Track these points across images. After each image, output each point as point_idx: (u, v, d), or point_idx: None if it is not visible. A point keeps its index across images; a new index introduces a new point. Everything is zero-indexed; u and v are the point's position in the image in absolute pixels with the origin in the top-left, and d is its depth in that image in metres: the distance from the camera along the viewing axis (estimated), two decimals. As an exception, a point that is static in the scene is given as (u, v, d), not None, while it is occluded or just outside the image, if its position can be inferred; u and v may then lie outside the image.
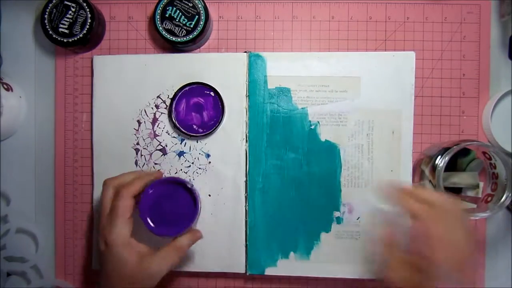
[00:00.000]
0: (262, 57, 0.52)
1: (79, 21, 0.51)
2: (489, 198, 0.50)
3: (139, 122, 0.53)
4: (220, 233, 0.52)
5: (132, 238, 0.43)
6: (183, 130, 0.52)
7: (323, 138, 0.52)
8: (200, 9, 0.51)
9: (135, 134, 0.53)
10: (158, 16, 0.51)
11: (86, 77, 0.55)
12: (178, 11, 0.51)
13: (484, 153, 0.50)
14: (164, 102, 0.53)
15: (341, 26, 0.54)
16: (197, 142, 0.53)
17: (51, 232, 0.55)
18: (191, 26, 0.51)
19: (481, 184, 0.51)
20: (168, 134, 0.53)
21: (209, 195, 0.52)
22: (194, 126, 0.52)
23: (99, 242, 0.44)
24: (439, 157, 0.47)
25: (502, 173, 0.48)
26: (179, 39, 0.51)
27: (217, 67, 0.52)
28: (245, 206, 0.52)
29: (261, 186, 0.52)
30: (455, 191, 0.52)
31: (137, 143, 0.53)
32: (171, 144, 0.53)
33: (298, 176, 0.52)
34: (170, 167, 0.53)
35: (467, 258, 0.38)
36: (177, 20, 0.51)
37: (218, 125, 0.52)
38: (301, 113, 0.52)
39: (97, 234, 0.51)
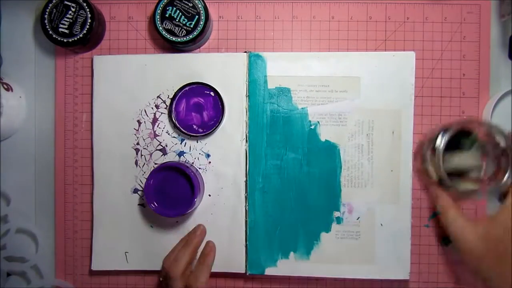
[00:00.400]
0: (262, 57, 0.52)
1: (79, 21, 0.51)
2: (492, 180, 0.49)
3: (139, 122, 0.53)
4: (220, 233, 0.52)
5: None
6: (183, 130, 0.52)
7: (323, 138, 0.52)
8: (200, 9, 0.51)
9: (135, 134, 0.53)
10: (158, 16, 0.51)
11: (86, 77, 0.55)
12: (178, 11, 0.51)
13: (487, 134, 0.49)
14: (164, 102, 0.53)
15: (341, 26, 0.54)
16: (197, 142, 0.53)
17: (51, 232, 0.55)
18: (191, 26, 0.51)
19: (484, 164, 0.51)
20: (168, 134, 0.53)
21: (209, 195, 0.52)
22: (194, 126, 0.52)
23: None
24: (439, 137, 0.47)
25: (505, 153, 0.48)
26: (179, 39, 0.51)
27: (217, 67, 0.52)
28: (245, 206, 0.52)
29: (261, 186, 0.52)
30: (457, 174, 0.52)
31: (137, 143, 0.53)
32: (171, 144, 0.53)
33: (298, 176, 0.52)
34: (170, 167, 0.53)
35: None
36: (177, 20, 0.51)
37: (218, 125, 0.52)
38: (301, 113, 0.52)
39: None
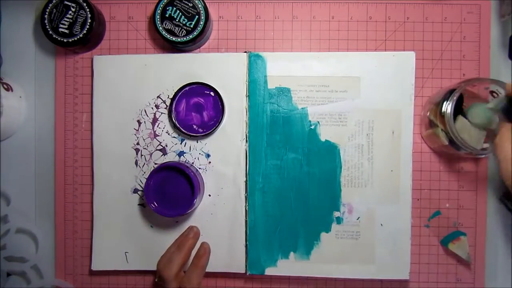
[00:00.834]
0: (262, 57, 0.52)
1: (79, 21, 0.51)
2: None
3: (139, 122, 0.53)
4: (220, 233, 0.52)
5: None
6: (183, 130, 0.52)
7: (323, 138, 0.52)
8: (200, 9, 0.51)
9: (135, 134, 0.53)
10: (158, 16, 0.51)
11: (86, 77, 0.55)
12: (178, 11, 0.51)
13: (491, 92, 0.49)
14: (164, 102, 0.53)
15: (341, 26, 0.54)
16: (197, 142, 0.53)
17: (51, 232, 0.55)
18: (191, 26, 0.51)
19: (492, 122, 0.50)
20: (168, 134, 0.53)
21: (209, 195, 0.52)
22: (194, 126, 0.52)
23: None
24: (445, 102, 0.46)
25: None
26: (179, 39, 0.51)
27: (217, 67, 0.52)
28: (245, 206, 0.52)
29: (261, 186, 0.52)
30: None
31: (137, 143, 0.53)
32: (171, 144, 0.53)
33: (298, 176, 0.52)
34: (170, 167, 0.53)
35: None
36: (177, 20, 0.51)
37: (218, 125, 0.52)
38: (301, 113, 0.52)
39: None
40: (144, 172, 0.53)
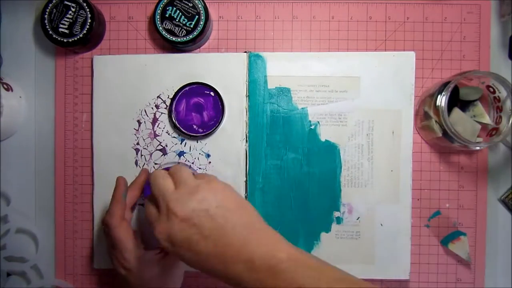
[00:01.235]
0: (262, 57, 0.52)
1: (79, 21, 0.51)
2: (494, 132, 0.49)
3: (139, 122, 0.53)
4: (220, 233, 0.52)
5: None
6: (183, 130, 0.52)
7: (323, 138, 0.52)
8: (200, 9, 0.51)
9: (135, 134, 0.53)
10: (158, 16, 0.51)
11: (86, 77, 0.55)
12: (178, 11, 0.51)
13: (488, 86, 0.49)
14: (164, 102, 0.53)
15: (341, 26, 0.54)
16: (197, 142, 0.53)
17: (51, 232, 0.55)
18: (191, 26, 0.51)
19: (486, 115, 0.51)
20: (168, 134, 0.53)
21: (209, 195, 0.52)
22: (194, 126, 0.52)
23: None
24: (440, 94, 0.47)
25: (507, 105, 0.47)
26: (179, 39, 0.51)
27: (217, 67, 0.52)
28: (245, 206, 0.52)
29: (261, 186, 0.52)
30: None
31: (137, 143, 0.53)
32: (171, 144, 0.53)
33: (298, 176, 0.52)
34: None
35: None
36: (177, 20, 0.51)
37: (218, 125, 0.52)
38: (301, 113, 0.52)
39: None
40: (144, 172, 0.53)
